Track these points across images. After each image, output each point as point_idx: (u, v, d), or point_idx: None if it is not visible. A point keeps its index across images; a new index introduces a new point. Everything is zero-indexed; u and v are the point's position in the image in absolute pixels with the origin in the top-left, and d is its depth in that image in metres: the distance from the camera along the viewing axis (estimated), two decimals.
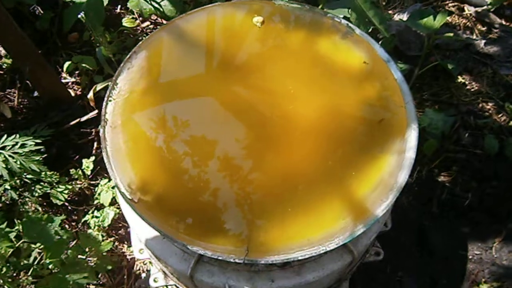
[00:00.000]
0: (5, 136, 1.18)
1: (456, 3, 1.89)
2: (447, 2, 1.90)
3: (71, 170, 1.35)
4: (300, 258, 0.75)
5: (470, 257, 1.29)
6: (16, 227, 1.06)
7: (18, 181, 1.27)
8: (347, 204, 0.82)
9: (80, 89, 1.62)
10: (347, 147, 0.89)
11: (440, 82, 1.64)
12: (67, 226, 1.38)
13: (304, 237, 0.79)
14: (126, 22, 1.66)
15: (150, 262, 1.24)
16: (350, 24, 1.04)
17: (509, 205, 1.36)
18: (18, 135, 1.18)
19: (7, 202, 1.32)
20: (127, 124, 0.91)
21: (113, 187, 1.32)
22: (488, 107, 1.58)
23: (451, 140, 1.49)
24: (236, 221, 0.81)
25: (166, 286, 1.08)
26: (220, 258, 0.76)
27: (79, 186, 1.37)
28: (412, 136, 0.88)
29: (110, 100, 0.93)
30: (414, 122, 0.90)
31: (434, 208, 1.38)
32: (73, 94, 1.60)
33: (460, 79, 1.65)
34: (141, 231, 0.94)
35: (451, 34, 1.50)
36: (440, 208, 1.38)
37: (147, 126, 0.91)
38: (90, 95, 1.48)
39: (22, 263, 1.01)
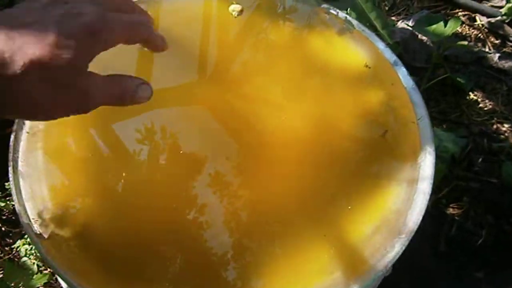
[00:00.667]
0: None
1: (467, 13, 1.69)
2: (457, 10, 1.71)
3: (6, 184, 1.12)
4: None
5: None
6: None
7: None
8: (337, 253, 0.60)
9: None
10: (341, 174, 0.67)
11: (449, 98, 1.43)
12: None
13: None
14: None
15: None
16: (349, 18, 0.84)
17: None
18: None
19: None
20: (52, 130, 0.69)
21: None
22: (504, 128, 1.37)
23: (462, 165, 1.28)
24: (184, 273, 0.58)
25: None
26: None
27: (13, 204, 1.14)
28: (427, 162, 0.67)
29: None
30: (430, 144, 0.68)
31: (441, 246, 1.16)
32: None
33: (471, 95, 1.45)
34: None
35: (465, 43, 1.31)
36: (448, 246, 1.16)
37: (80, 136, 0.68)
38: None
39: None
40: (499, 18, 1.64)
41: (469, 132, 1.35)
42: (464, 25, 1.67)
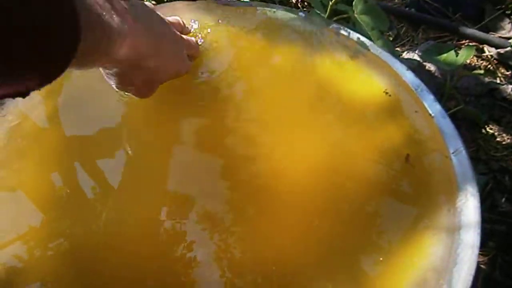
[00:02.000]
0: None
1: (474, 43, 1.62)
2: (463, 41, 1.63)
3: None
4: None
5: None
6: None
7: None
8: None
9: None
10: (359, 225, 0.54)
11: (463, 132, 1.32)
12: None
13: None
14: None
15: None
16: (362, 38, 0.73)
17: None
18: None
19: None
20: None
21: None
22: None
23: (485, 206, 1.15)
24: None
25: None
26: None
27: None
28: (469, 205, 0.54)
29: None
30: (471, 182, 0.56)
31: None
32: None
33: (487, 129, 1.34)
34: None
35: (482, 71, 1.21)
36: None
37: (40, 176, 0.55)
38: None
39: None
40: (508, 48, 1.56)
41: (489, 168, 1.23)
42: (472, 56, 1.59)
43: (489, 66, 1.56)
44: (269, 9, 0.76)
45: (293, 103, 0.66)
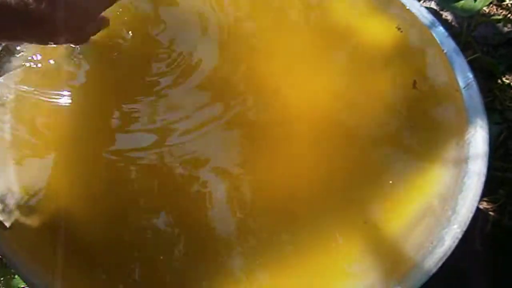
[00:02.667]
0: None
1: None
2: None
3: None
4: None
5: None
6: None
7: None
8: (371, 248, 0.47)
9: None
10: (372, 154, 0.54)
11: (479, 82, 1.30)
12: None
13: None
14: None
15: None
16: None
17: None
18: None
19: None
20: (25, 101, 0.57)
21: None
22: None
23: (497, 154, 1.14)
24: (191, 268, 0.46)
25: None
26: None
27: None
28: (477, 137, 0.54)
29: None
30: (480, 115, 0.56)
31: (476, 245, 1.02)
32: None
33: (503, 79, 1.32)
34: None
35: (500, 17, 1.17)
36: (483, 245, 1.03)
37: (57, 110, 0.56)
38: None
39: None
40: None
41: (503, 118, 1.21)
42: (491, 5, 1.53)
43: (509, 15, 1.51)
44: None
45: (308, 42, 0.65)
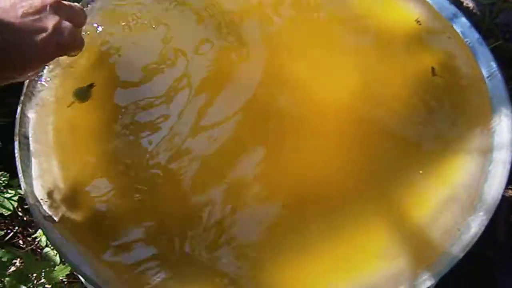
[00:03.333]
0: None
1: None
2: None
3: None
4: None
5: None
6: None
7: None
8: (399, 235, 0.49)
9: None
10: (395, 143, 0.56)
11: (501, 70, 1.29)
12: (21, 242, 1.09)
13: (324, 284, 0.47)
14: None
15: None
16: None
17: None
18: None
19: None
20: (65, 102, 0.61)
21: None
22: None
23: None
24: (220, 260, 0.49)
25: None
26: None
27: None
28: (502, 126, 0.55)
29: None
30: (505, 104, 0.57)
31: (500, 235, 1.03)
32: None
33: None
34: None
35: None
36: (508, 235, 1.03)
37: (97, 107, 0.60)
38: None
39: None
40: None
41: None
42: None
43: None
44: None
45: (326, 33, 0.67)
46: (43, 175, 0.54)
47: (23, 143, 0.56)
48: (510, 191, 1.10)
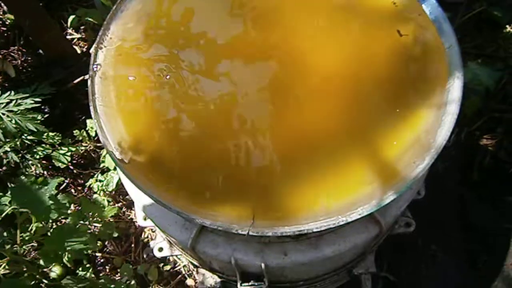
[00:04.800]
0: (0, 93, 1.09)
1: None
2: None
3: (74, 132, 1.26)
4: (315, 230, 0.63)
5: None
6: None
7: (18, 142, 1.19)
8: (374, 167, 0.69)
9: (86, 46, 1.51)
10: (375, 99, 0.74)
11: (484, 33, 1.44)
12: (72, 190, 1.30)
13: (321, 205, 0.67)
14: None
15: (154, 231, 1.15)
16: None
17: None
18: (13, 92, 1.09)
19: (12, 165, 1.25)
20: (120, 75, 0.79)
21: None
22: None
23: (497, 98, 1.31)
24: (242, 186, 0.69)
25: (171, 256, 0.99)
26: (220, 228, 0.64)
27: (84, 148, 1.29)
28: (455, 86, 0.73)
29: (100, 48, 0.82)
30: (458, 69, 0.74)
31: (474, 175, 1.22)
32: (79, 51, 1.49)
33: (508, 29, 1.45)
34: (137, 196, 0.84)
35: None
36: (481, 175, 1.22)
37: (142, 79, 0.78)
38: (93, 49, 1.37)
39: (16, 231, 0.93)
40: None
41: (505, 65, 1.36)
42: None
43: None
44: None
45: (323, 10, 0.84)
46: (112, 131, 0.73)
47: (95, 107, 0.75)
48: (484, 140, 1.28)
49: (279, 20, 0.83)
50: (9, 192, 0.95)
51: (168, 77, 0.78)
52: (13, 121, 1.06)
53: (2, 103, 1.07)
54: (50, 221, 1.02)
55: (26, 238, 0.96)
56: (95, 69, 0.79)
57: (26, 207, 0.89)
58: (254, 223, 0.65)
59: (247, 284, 0.82)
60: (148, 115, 0.75)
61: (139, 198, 0.84)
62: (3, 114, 1.05)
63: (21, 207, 0.88)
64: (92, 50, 0.81)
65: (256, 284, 0.81)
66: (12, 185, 1.03)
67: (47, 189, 0.96)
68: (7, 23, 1.54)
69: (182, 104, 0.75)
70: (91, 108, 0.75)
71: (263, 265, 0.76)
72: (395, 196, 0.65)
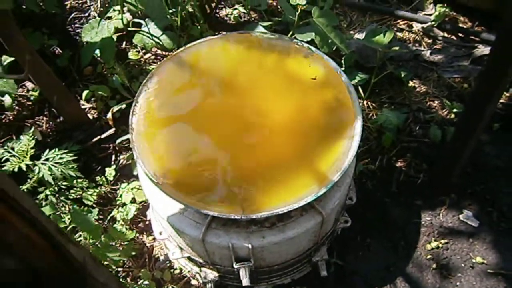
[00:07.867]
0: (47, 150, 1.49)
1: (406, 21, 2.25)
2: (399, 21, 2.26)
3: (97, 178, 1.66)
4: (280, 212, 1.07)
5: (423, 223, 1.61)
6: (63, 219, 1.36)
7: (55, 188, 1.57)
8: (313, 176, 1.14)
9: (96, 113, 1.93)
10: (312, 134, 1.22)
11: (394, 87, 1.98)
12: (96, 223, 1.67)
13: (283, 200, 1.11)
14: (132, 55, 1.99)
15: (167, 247, 1.54)
16: (310, 46, 1.38)
17: (450, 182, 1.68)
18: (57, 149, 1.50)
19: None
20: (148, 130, 1.23)
21: (132, 189, 1.63)
22: (434, 104, 1.92)
23: (405, 132, 1.83)
24: (232, 194, 1.12)
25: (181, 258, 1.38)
26: (224, 217, 1.07)
27: (103, 190, 1.68)
28: (358, 125, 1.21)
29: (134, 114, 1.26)
30: (359, 115, 1.23)
31: (393, 188, 1.70)
32: (91, 117, 1.92)
33: (411, 83, 2.00)
34: (163, 210, 1.25)
35: (397, 48, 1.85)
36: (398, 188, 1.70)
37: (162, 132, 1.22)
38: (109, 115, 1.80)
39: None
40: (429, 23, 2.18)
41: (410, 109, 1.89)
42: (404, 31, 2.22)
43: (416, 37, 2.20)
44: (259, 33, 1.41)
45: (275, 81, 1.33)
46: (149, 166, 1.16)
47: (136, 153, 1.18)
48: (399, 163, 1.77)
49: (245, 89, 1.31)
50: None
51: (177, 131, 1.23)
52: (59, 170, 1.46)
53: (50, 158, 1.47)
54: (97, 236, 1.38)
55: None
56: (132, 129, 1.22)
57: (82, 226, 1.28)
58: (243, 213, 1.08)
59: (240, 263, 1.22)
60: (170, 154, 1.19)
61: (164, 212, 1.25)
62: (53, 165, 1.45)
63: (77, 225, 1.27)
64: (130, 117, 1.25)
65: (245, 263, 1.22)
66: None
67: (91, 215, 1.36)
68: (32, 98, 1.96)
69: (189, 146, 1.20)
70: (134, 153, 1.17)
71: (250, 245, 1.17)
72: (325, 190, 1.10)
